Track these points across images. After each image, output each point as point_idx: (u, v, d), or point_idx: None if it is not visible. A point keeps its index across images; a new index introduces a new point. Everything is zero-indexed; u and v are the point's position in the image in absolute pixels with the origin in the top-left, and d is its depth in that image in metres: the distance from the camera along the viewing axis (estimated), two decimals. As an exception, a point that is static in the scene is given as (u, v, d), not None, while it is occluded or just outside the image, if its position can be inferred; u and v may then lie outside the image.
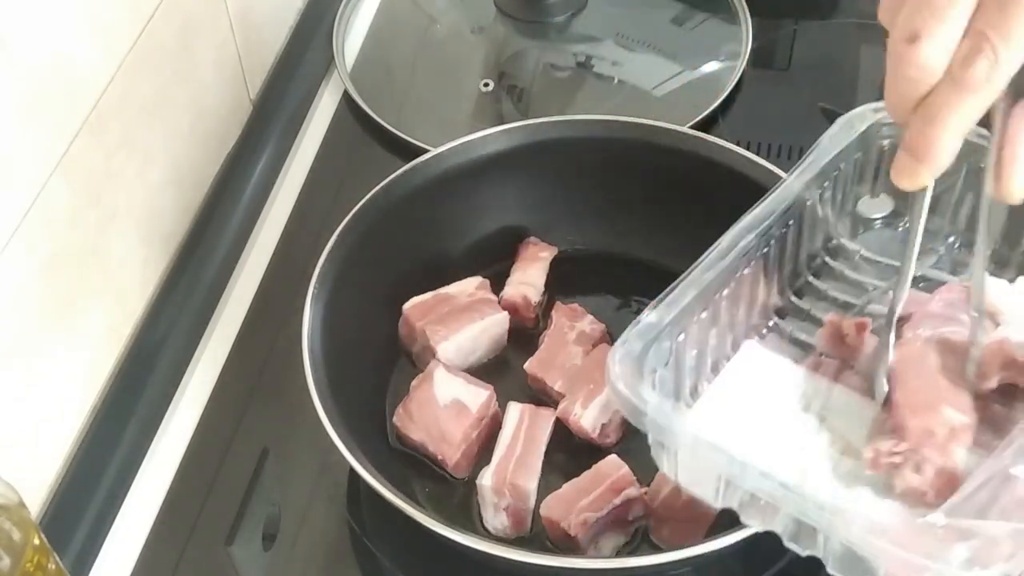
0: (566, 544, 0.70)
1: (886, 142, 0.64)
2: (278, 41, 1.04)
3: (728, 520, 0.71)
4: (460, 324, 0.79)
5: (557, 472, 0.75)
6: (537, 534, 0.73)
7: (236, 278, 0.90)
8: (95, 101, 0.75)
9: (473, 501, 0.74)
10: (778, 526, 0.52)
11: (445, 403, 0.75)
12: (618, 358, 0.54)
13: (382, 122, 0.99)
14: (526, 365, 0.79)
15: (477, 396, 0.76)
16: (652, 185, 0.84)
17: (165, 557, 0.74)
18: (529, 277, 0.84)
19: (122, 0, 0.77)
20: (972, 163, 0.60)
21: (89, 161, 0.75)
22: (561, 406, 0.76)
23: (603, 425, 0.75)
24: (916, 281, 0.64)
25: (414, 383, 0.77)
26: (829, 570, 0.50)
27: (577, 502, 0.69)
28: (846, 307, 0.65)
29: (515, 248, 0.86)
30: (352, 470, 0.67)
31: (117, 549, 0.75)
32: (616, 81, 1.03)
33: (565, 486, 0.71)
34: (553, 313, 0.81)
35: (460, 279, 0.83)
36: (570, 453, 0.76)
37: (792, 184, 0.62)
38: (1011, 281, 0.61)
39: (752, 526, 0.54)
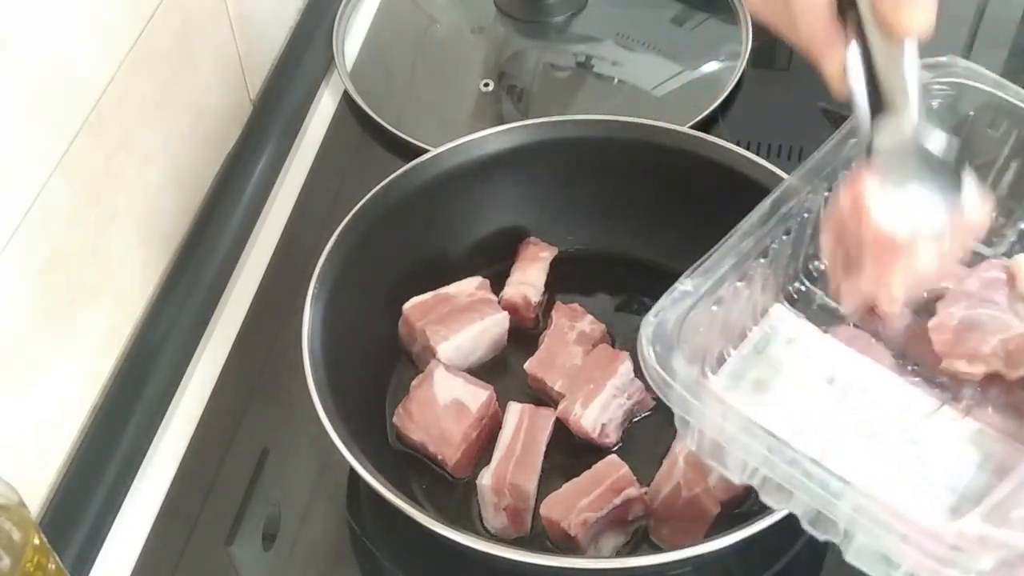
0: (566, 544, 0.70)
1: (933, 102, 0.63)
2: (278, 41, 1.04)
3: (728, 520, 0.71)
4: (460, 324, 0.79)
5: (557, 472, 0.75)
6: (537, 534, 0.73)
7: (236, 278, 0.90)
8: (95, 101, 0.75)
9: (473, 501, 0.74)
10: (797, 508, 0.51)
11: (445, 403, 0.75)
12: (651, 328, 0.53)
13: (382, 122, 0.99)
14: (526, 365, 0.79)
15: (477, 396, 0.76)
16: (652, 185, 0.84)
17: (165, 557, 0.74)
18: (529, 277, 0.84)
19: (122, 0, 0.77)
20: (1021, 129, 0.60)
21: (89, 161, 0.75)
22: (561, 406, 0.76)
23: (603, 425, 0.75)
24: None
25: (414, 383, 0.77)
26: (847, 559, 0.49)
27: (577, 502, 0.69)
28: None
29: (515, 248, 0.86)
30: (352, 470, 0.67)
31: (117, 549, 0.75)
32: (616, 81, 1.03)
33: (565, 486, 0.71)
34: (553, 313, 0.81)
35: (460, 279, 0.83)
36: (570, 453, 0.76)
37: (831, 150, 0.61)
38: None
39: (771, 505, 0.53)
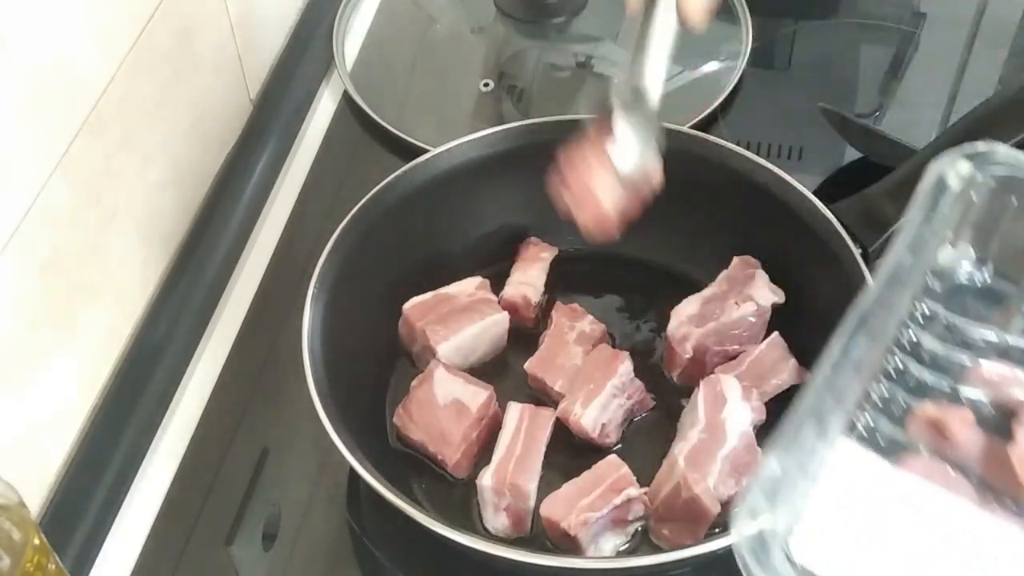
0: (566, 544, 0.70)
1: (975, 193, 0.61)
2: (278, 41, 1.04)
3: (728, 520, 0.71)
4: (460, 324, 0.79)
5: (557, 472, 0.75)
6: (537, 534, 0.73)
7: (236, 278, 0.90)
8: (95, 101, 0.75)
9: (473, 501, 0.74)
10: None
11: (445, 403, 0.75)
12: (744, 532, 0.49)
13: (382, 122, 0.99)
14: (526, 365, 0.79)
15: (477, 396, 0.76)
16: (652, 185, 0.84)
17: (165, 557, 0.74)
18: (529, 277, 0.84)
19: (122, 0, 0.77)
20: None
21: (89, 161, 0.75)
22: (561, 406, 0.76)
23: (603, 425, 0.75)
24: (1009, 351, 0.62)
25: (414, 383, 0.77)
26: None
27: (577, 502, 0.69)
28: (938, 390, 0.60)
29: (515, 248, 0.86)
30: (352, 470, 0.67)
31: (117, 549, 0.75)
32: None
33: (565, 486, 0.71)
34: (553, 313, 0.81)
35: (460, 279, 0.83)
36: (570, 453, 0.76)
37: (893, 262, 0.58)
38: None
39: None
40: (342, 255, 0.77)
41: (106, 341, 0.80)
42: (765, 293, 0.79)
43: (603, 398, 0.75)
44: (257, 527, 0.76)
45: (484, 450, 0.76)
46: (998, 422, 0.58)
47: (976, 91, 0.98)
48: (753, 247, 0.81)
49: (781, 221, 0.79)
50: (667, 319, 0.79)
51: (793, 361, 0.78)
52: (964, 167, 0.61)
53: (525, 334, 0.83)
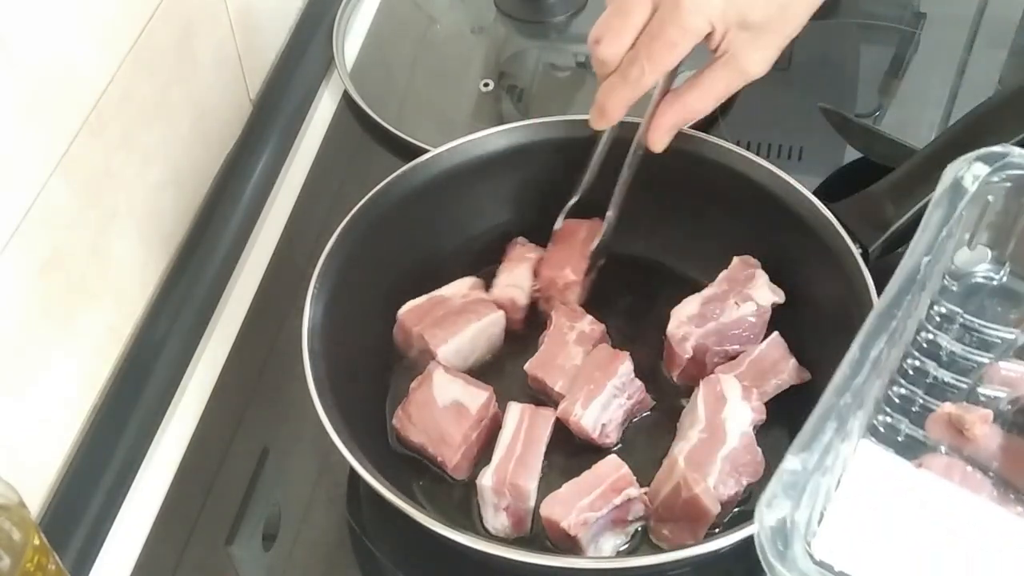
0: (566, 544, 0.70)
1: (991, 196, 0.62)
2: (278, 41, 1.04)
3: (728, 520, 0.71)
4: (458, 326, 0.79)
5: (557, 472, 0.75)
6: (537, 534, 0.73)
7: (236, 278, 0.90)
8: (95, 101, 0.75)
9: (473, 501, 0.74)
10: None
11: (444, 405, 0.75)
12: (770, 524, 0.49)
13: (382, 122, 0.99)
14: (526, 365, 0.79)
15: (476, 397, 0.76)
16: (652, 185, 0.84)
17: (165, 557, 0.74)
18: (515, 279, 0.83)
19: (122, 0, 0.77)
20: None
21: (89, 161, 0.75)
22: (561, 406, 0.76)
23: (603, 425, 0.75)
24: (1021, 353, 0.62)
25: (413, 384, 0.77)
26: None
27: (577, 502, 0.69)
28: (955, 389, 0.61)
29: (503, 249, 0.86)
30: (352, 470, 0.67)
31: (117, 549, 0.75)
32: (616, 81, 1.03)
33: (565, 486, 0.71)
34: (553, 313, 0.81)
35: (461, 278, 0.84)
36: (570, 453, 0.76)
37: (911, 264, 0.59)
38: None
39: None
40: (342, 255, 0.77)
41: (106, 341, 0.80)
42: (765, 293, 0.79)
43: (603, 398, 0.75)
44: (257, 527, 0.75)
45: (484, 451, 0.76)
46: (1016, 420, 0.59)
47: (976, 91, 0.98)
48: (753, 247, 0.81)
49: (781, 221, 0.79)
50: (667, 319, 0.79)
51: (793, 361, 0.78)
52: (980, 169, 0.61)
53: (525, 334, 0.83)
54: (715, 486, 0.70)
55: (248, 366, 0.84)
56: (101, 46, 0.76)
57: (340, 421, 0.69)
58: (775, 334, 0.78)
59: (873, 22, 1.09)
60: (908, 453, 0.58)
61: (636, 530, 0.73)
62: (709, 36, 0.71)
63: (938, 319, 0.63)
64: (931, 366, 0.62)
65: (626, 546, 0.72)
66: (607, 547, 0.71)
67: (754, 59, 0.72)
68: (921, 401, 0.61)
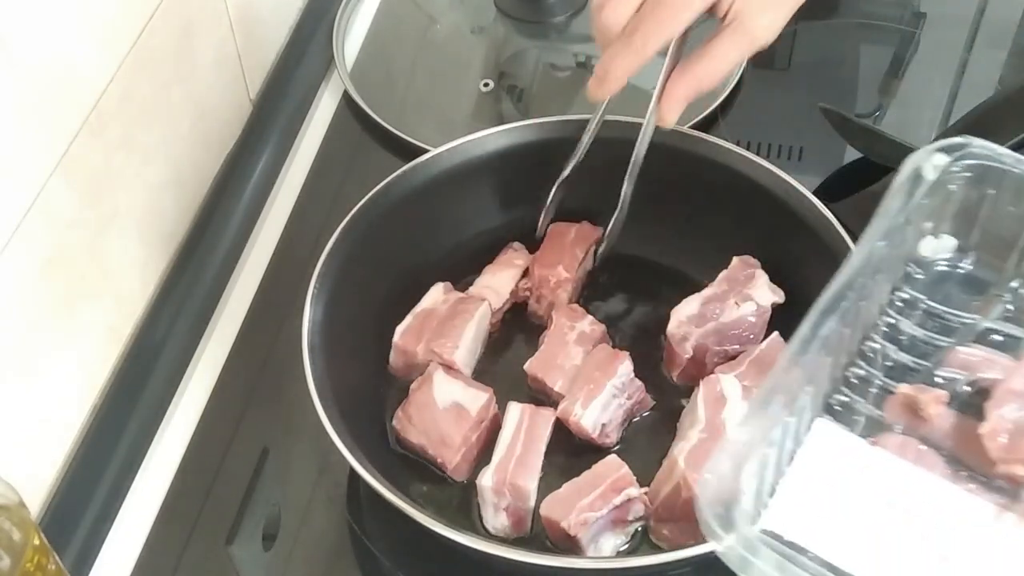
0: (566, 544, 0.70)
1: (953, 186, 0.63)
2: (278, 41, 1.04)
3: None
4: (458, 329, 0.79)
5: (557, 472, 0.75)
6: (537, 534, 0.73)
7: (236, 278, 0.90)
8: (95, 101, 0.75)
9: (473, 501, 0.74)
10: None
11: (444, 406, 0.75)
12: (709, 489, 0.51)
13: (382, 122, 0.99)
14: (526, 365, 0.79)
15: (476, 399, 0.76)
16: (652, 185, 0.84)
17: (165, 557, 0.74)
18: (496, 282, 0.83)
19: (122, 0, 0.77)
20: None
21: (89, 161, 0.75)
22: (561, 406, 0.76)
23: (603, 425, 0.75)
24: (984, 335, 0.63)
25: (413, 385, 0.77)
26: None
27: (577, 502, 0.69)
28: (913, 372, 0.62)
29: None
30: (352, 470, 0.67)
31: (117, 549, 0.75)
32: (616, 81, 1.03)
33: (565, 486, 0.71)
34: (553, 313, 0.81)
35: (461, 278, 0.84)
36: (570, 453, 0.76)
37: (865, 248, 0.60)
38: None
39: None
40: (342, 255, 0.77)
41: (106, 341, 0.80)
42: (765, 293, 0.79)
43: (603, 398, 0.75)
44: (257, 527, 0.76)
45: (484, 453, 0.76)
46: (972, 401, 0.60)
47: (976, 91, 0.98)
48: (753, 247, 0.81)
49: (781, 221, 0.79)
50: (667, 319, 0.79)
51: (793, 361, 0.78)
52: (940, 159, 0.62)
53: (525, 334, 0.83)
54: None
55: (248, 366, 0.85)
56: (101, 46, 0.76)
57: (340, 421, 0.69)
58: (775, 334, 0.78)
59: (873, 22, 1.09)
60: (864, 432, 0.59)
61: (636, 530, 0.73)
62: (716, 4, 0.70)
63: (900, 304, 0.64)
64: (891, 349, 0.63)
65: (626, 546, 0.72)
66: (607, 547, 0.71)
67: (762, 24, 0.70)
68: (880, 383, 0.62)
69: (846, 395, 0.61)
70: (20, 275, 0.69)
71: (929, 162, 0.62)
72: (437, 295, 0.82)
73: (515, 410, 0.76)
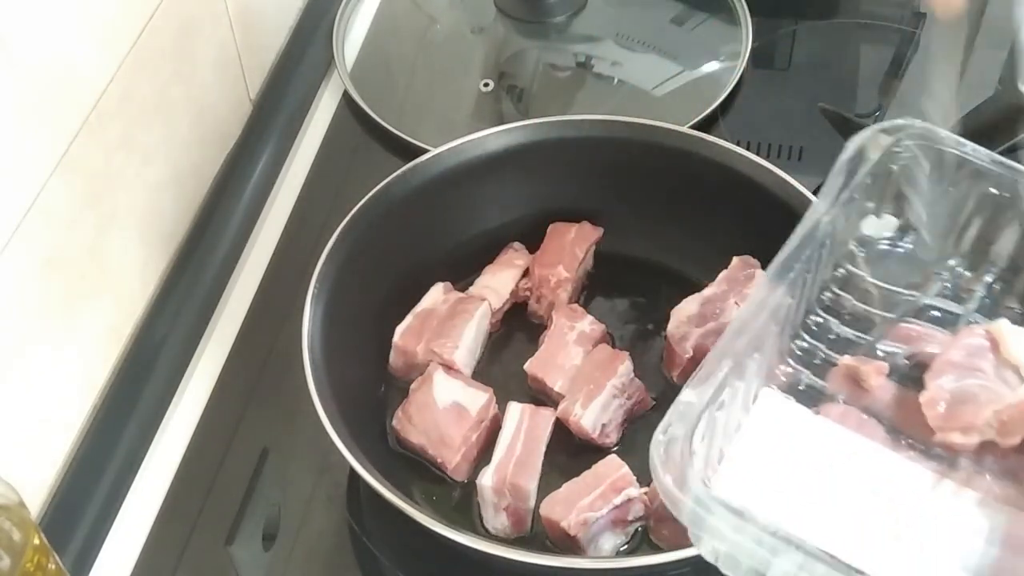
0: (566, 544, 0.70)
1: (895, 166, 0.63)
2: (278, 41, 1.04)
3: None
4: (459, 328, 0.79)
5: (557, 472, 0.75)
6: (537, 534, 0.73)
7: (236, 278, 0.90)
8: (95, 101, 0.75)
9: (473, 501, 0.74)
10: None
11: (444, 406, 0.75)
12: (661, 448, 0.52)
13: (382, 122, 0.99)
14: (526, 365, 0.79)
15: (476, 399, 0.76)
16: (652, 185, 0.84)
17: (165, 557, 0.74)
18: (496, 282, 0.84)
19: (122, 0, 0.77)
20: (982, 186, 0.61)
21: (89, 161, 0.75)
22: (561, 406, 0.76)
23: (603, 425, 0.75)
24: (923, 311, 0.64)
25: (413, 386, 0.77)
26: None
27: (577, 502, 0.69)
28: (856, 345, 0.64)
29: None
30: (352, 470, 0.67)
31: (117, 549, 0.75)
32: (616, 81, 1.03)
33: (565, 486, 0.71)
34: (553, 313, 0.81)
35: (461, 279, 0.84)
36: (570, 453, 0.76)
37: (810, 222, 0.61)
38: None
39: None
40: (342, 255, 0.77)
41: (106, 341, 0.80)
42: (765, 293, 0.79)
43: (603, 398, 0.75)
44: (257, 527, 0.76)
45: (484, 453, 0.76)
46: (911, 374, 0.61)
47: (976, 91, 0.98)
48: (753, 247, 0.81)
49: (781, 221, 0.78)
50: (667, 319, 0.79)
51: (793, 361, 0.78)
52: (883, 139, 0.63)
53: (524, 334, 0.83)
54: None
55: (248, 366, 0.85)
56: (101, 46, 0.76)
57: (340, 421, 0.69)
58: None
59: (873, 22, 1.09)
60: (808, 402, 0.61)
61: (636, 530, 0.73)
62: None
63: (843, 280, 0.65)
64: (834, 323, 0.64)
65: (626, 546, 0.72)
66: (607, 547, 0.71)
67: None
68: (823, 355, 0.63)
69: (791, 366, 0.63)
70: (20, 275, 0.69)
71: (872, 142, 0.63)
72: (437, 295, 0.82)
73: (515, 410, 0.76)
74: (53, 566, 0.58)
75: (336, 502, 0.77)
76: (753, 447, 0.57)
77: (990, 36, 1.06)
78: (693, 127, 0.87)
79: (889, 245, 0.66)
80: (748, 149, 0.81)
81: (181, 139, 0.88)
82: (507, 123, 0.84)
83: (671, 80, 1.02)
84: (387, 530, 0.75)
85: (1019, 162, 0.64)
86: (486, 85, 1.03)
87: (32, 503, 0.70)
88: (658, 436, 0.52)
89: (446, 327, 0.79)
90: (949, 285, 0.65)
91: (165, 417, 0.82)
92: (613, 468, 0.71)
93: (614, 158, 0.84)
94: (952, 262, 0.65)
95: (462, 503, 0.75)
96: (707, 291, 0.80)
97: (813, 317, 0.64)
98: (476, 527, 0.74)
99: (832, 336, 0.64)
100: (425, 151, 0.84)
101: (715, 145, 0.82)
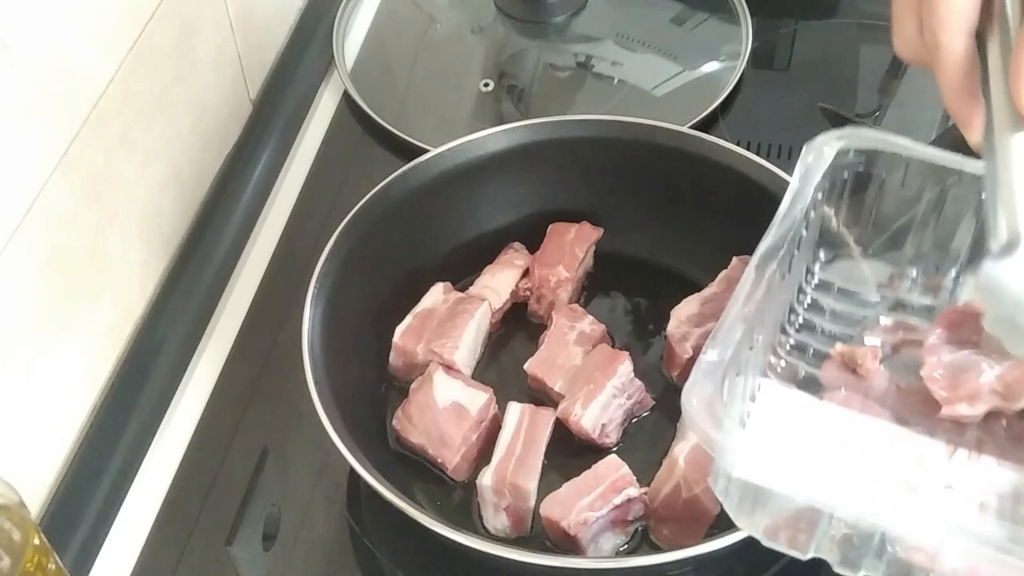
0: (566, 544, 0.70)
1: (847, 173, 0.64)
2: (278, 41, 1.04)
3: (728, 520, 0.71)
4: (459, 328, 0.79)
5: (557, 472, 0.75)
6: (537, 534, 0.73)
7: (236, 278, 0.90)
8: (95, 101, 0.75)
9: (473, 501, 0.74)
10: (879, 571, 0.51)
11: (444, 406, 0.75)
12: (695, 403, 0.51)
13: (382, 122, 0.99)
14: (526, 365, 0.79)
15: (476, 399, 0.76)
16: (652, 185, 0.84)
17: (165, 557, 0.74)
18: (496, 282, 0.84)
19: (122, 0, 0.77)
20: (934, 184, 0.61)
21: (89, 161, 0.75)
22: (561, 406, 0.76)
23: (603, 425, 0.75)
24: (898, 306, 0.65)
25: (414, 386, 0.77)
26: None
27: (577, 502, 0.69)
28: (843, 339, 0.63)
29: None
30: (352, 470, 0.67)
31: (117, 549, 0.75)
32: (616, 81, 1.03)
33: (565, 486, 0.71)
34: (553, 313, 0.81)
35: (461, 278, 0.84)
36: (570, 453, 0.76)
37: (786, 213, 0.61)
38: None
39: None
40: (342, 255, 0.77)
41: (106, 341, 0.80)
42: (765, 293, 0.79)
43: (603, 398, 0.75)
44: (257, 527, 0.76)
45: (484, 453, 0.76)
46: (906, 363, 0.61)
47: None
48: (753, 247, 0.81)
49: (781, 221, 0.79)
50: (667, 319, 0.79)
51: (793, 361, 0.78)
52: (835, 145, 0.63)
53: (524, 334, 0.83)
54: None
55: (248, 366, 0.85)
56: (101, 46, 0.76)
57: (340, 421, 0.69)
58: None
59: (873, 22, 1.09)
60: (809, 392, 0.61)
61: (636, 530, 0.73)
62: None
63: (815, 285, 0.66)
64: (817, 321, 0.65)
65: (626, 546, 0.72)
66: (607, 547, 0.71)
67: None
68: (814, 348, 0.63)
69: (784, 359, 0.63)
70: (20, 275, 0.69)
71: (825, 148, 0.63)
72: (437, 295, 0.82)
73: (515, 410, 0.76)
74: (53, 566, 0.58)
75: (336, 502, 0.77)
76: (765, 433, 0.57)
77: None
78: (693, 127, 0.87)
79: (844, 256, 0.67)
80: (748, 149, 0.81)
81: (181, 139, 0.88)
82: (507, 123, 0.84)
83: (671, 80, 1.02)
84: (387, 530, 0.75)
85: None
86: (486, 85, 1.03)
87: (32, 503, 0.70)
88: (687, 393, 0.52)
89: (446, 327, 0.79)
90: (916, 282, 0.65)
91: (165, 417, 0.82)
92: (613, 468, 0.71)
93: (614, 158, 0.84)
94: (913, 261, 0.65)
95: (462, 503, 0.75)
96: (707, 291, 0.80)
97: (795, 316, 0.65)
98: (476, 527, 0.74)
99: (819, 331, 0.64)
100: (425, 151, 0.84)
101: (715, 145, 0.82)
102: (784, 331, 0.63)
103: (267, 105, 0.99)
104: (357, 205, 0.79)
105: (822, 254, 0.66)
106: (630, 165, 0.84)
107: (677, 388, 0.80)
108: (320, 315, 0.74)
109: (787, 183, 0.78)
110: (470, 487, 0.74)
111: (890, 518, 0.49)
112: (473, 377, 0.80)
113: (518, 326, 0.84)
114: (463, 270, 0.85)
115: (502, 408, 0.77)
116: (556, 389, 0.77)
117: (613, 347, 0.80)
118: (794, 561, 0.53)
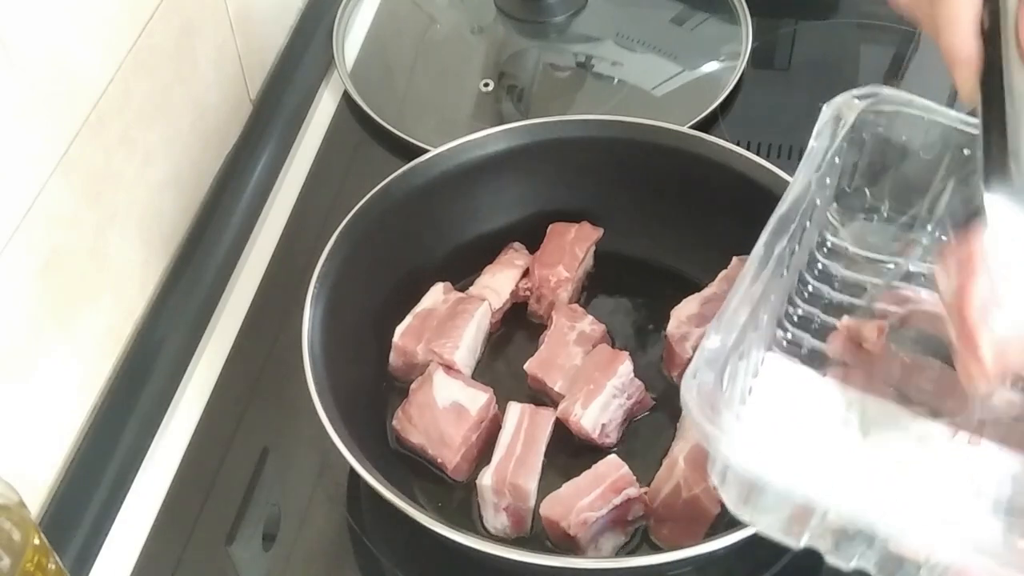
0: (566, 544, 0.70)
1: (867, 134, 0.63)
2: (278, 41, 1.04)
3: (728, 520, 0.71)
4: (459, 329, 0.79)
5: (557, 472, 0.75)
6: (537, 534, 0.73)
7: (236, 278, 0.90)
8: (95, 101, 0.75)
9: (473, 501, 0.74)
10: (870, 561, 0.51)
11: (444, 406, 0.75)
12: (694, 391, 0.51)
13: (382, 122, 0.99)
14: (526, 365, 0.79)
15: (476, 399, 0.76)
16: (652, 185, 0.84)
17: (165, 557, 0.74)
18: (496, 282, 0.84)
19: (122, 0, 0.77)
20: (954, 149, 0.61)
21: (89, 161, 0.75)
22: (561, 406, 0.76)
23: (603, 425, 0.75)
24: (909, 276, 0.64)
25: (414, 386, 0.77)
26: None
27: (577, 502, 0.69)
28: (851, 309, 0.64)
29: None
30: (352, 470, 0.67)
31: (117, 549, 0.75)
32: (616, 81, 1.03)
33: (565, 486, 0.71)
34: (553, 313, 0.81)
35: (461, 279, 0.84)
36: (570, 453, 0.76)
37: (800, 180, 0.61)
38: None
39: (840, 565, 0.52)
40: (342, 255, 0.77)
41: (106, 341, 0.80)
42: (765, 293, 0.79)
43: (603, 398, 0.75)
44: (257, 527, 0.75)
45: (484, 453, 0.76)
46: (914, 337, 0.60)
47: (976, 91, 0.98)
48: (753, 247, 0.81)
49: (781, 221, 0.79)
50: (667, 319, 0.79)
51: (793, 361, 0.78)
52: (856, 104, 0.63)
53: (524, 334, 0.83)
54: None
55: (248, 366, 0.84)
56: (101, 46, 0.76)
57: (340, 421, 0.69)
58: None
59: (873, 22, 1.09)
60: (813, 366, 0.61)
61: (636, 530, 0.73)
62: None
63: (827, 250, 0.65)
64: (825, 290, 0.64)
65: (626, 546, 0.72)
66: (607, 547, 0.71)
67: None
68: (820, 320, 0.63)
69: (790, 331, 0.62)
70: (20, 275, 0.69)
71: (846, 107, 0.63)
72: (437, 295, 0.82)
73: (515, 410, 0.76)
74: (53, 566, 0.58)
75: (336, 502, 0.77)
76: (765, 410, 0.57)
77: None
78: (693, 127, 0.87)
79: (866, 216, 0.66)
80: (748, 149, 0.81)
81: (181, 139, 0.88)
82: (507, 123, 0.84)
83: (671, 80, 1.02)
84: (387, 530, 0.75)
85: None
86: (486, 85, 1.03)
87: (32, 503, 0.70)
88: (688, 380, 0.52)
89: (446, 327, 0.79)
90: (929, 252, 0.65)
91: (165, 417, 0.82)
92: (613, 468, 0.71)
93: (614, 158, 0.84)
94: (929, 227, 0.65)
95: (462, 503, 0.75)
96: (707, 291, 0.80)
97: (804, 284, 0.64)
98: (476, 527, 0.74)
99: (826, 302, 0.64)
100: (425, 151, 0.84)
101: (715, 145, 0.82)
102: (792, 302, 0.63)
103: (267, 105, 0.99)
104: (357, 205, 0.79)
105: (835, 218, 0.66)
106: (630, 165, 0.84)
107: (677, 388, 0.79)
108: (320, 315, 0.74)
109: (787, 183, 0.79)
110: (470, 487, 0.74)
111: (884, 520, 0.49)
112: (473, 377, 0.80)
113: (518, 326, 0.84)
114: (463, 270, 0.85)
115: (502, 408, 0.77)
116: (556, 389, 0.77)
117: (613, 347, 0.80)
118: (794, 561, 0.53)
